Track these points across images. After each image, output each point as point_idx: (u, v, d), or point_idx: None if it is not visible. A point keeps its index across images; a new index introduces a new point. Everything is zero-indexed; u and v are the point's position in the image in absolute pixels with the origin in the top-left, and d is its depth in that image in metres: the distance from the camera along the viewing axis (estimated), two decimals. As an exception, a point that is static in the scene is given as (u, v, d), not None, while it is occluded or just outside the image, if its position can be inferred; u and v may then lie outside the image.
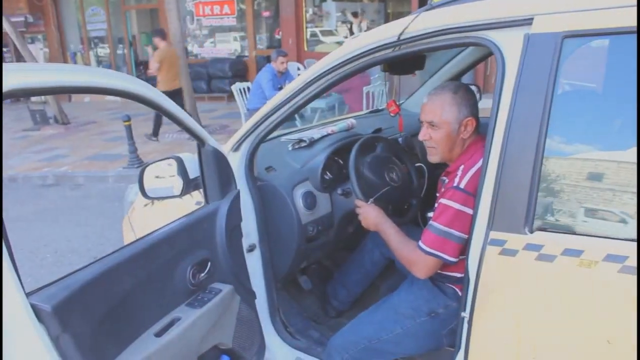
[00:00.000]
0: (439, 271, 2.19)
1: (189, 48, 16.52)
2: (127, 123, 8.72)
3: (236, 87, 9.88)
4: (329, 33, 15.14)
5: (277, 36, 15.61)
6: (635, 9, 1.51)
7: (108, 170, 8.93)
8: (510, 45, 1.76)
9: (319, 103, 9.21)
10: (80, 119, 14.24)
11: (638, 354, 1.55)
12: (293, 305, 3.14)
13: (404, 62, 2.73)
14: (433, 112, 2.22)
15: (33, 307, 1.43)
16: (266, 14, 16.03)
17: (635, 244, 1.57)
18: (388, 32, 2.03)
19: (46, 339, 1.45)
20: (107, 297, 1.68)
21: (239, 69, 15.50)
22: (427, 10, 1.97)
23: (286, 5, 14.36)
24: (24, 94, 1.50)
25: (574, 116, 1.76)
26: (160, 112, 2.02)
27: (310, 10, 15.14)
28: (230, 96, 11.51)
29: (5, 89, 1.37)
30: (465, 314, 1.91)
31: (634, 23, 1.52)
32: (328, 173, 2.95)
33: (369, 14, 14.98)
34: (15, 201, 7.95)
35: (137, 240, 1.95)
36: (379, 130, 3.35)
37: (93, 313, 1.62)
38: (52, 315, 1.45)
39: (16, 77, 1.43)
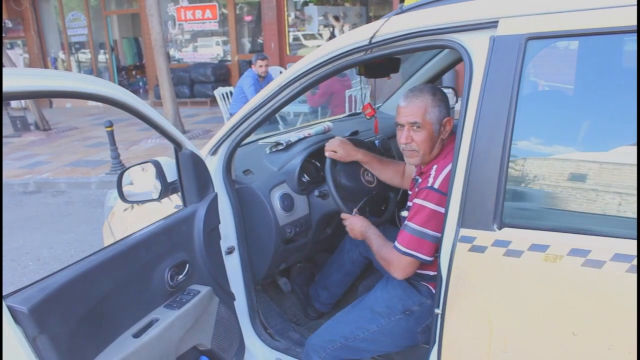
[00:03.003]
0: None
1: (171, 53, 16.50)
2: (109, 129, 8.69)
3: (219, 91, 9.88)
4: (311, 37, 15.18)
5: (259, 40, 15.63)
6: (593, 12, 1.57)
7: (90, 177, 8.88)
8: (476, 47, 1.81)
9: (301, 107, 9.23)
10: (62, 125, 14.17)
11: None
12: (273, 307, 3.16)
13: (379, 66, 2.78)
14: (415, 113, 2.22)
15: (10, 308, 1.46)
16: (248, 18, 16.03)
17: (598, 237, 1.62)
18: (360, 35, 2.08)
19: (23, 340, 1.47)
20: (85, 299, 1.71)
21: (221, 74, 15.49)
22: (397, 14, 2.02)
23: (268, 9, 14.38)
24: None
25: (539, 115, 1.83)
26: (137, 117, 2.04)
27: (292, 15, 15.17)
28: (213, 101, 11.52)
29: None
30: (439, 311, 1.95)
31: (594, 25, 1.58)
32: (305, 175, 2.99)
33: (350, 17, 15.04)
34: (-3, 208, 7.90)
35: (115, 243, 1.97)
36: (355, 133, 3.39)
37: (70, 314, 1.64)
38: (28, 316, 1.47)
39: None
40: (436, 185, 2.10)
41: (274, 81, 2.40)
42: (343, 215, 2.61)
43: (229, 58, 16.10)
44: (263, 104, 2.43)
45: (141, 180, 2.49)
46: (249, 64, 8.73)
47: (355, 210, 2.61)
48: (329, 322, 2.52)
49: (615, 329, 1.59)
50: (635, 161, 1.58)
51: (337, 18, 14.47)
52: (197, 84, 15.46)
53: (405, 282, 2.28)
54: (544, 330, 1.73)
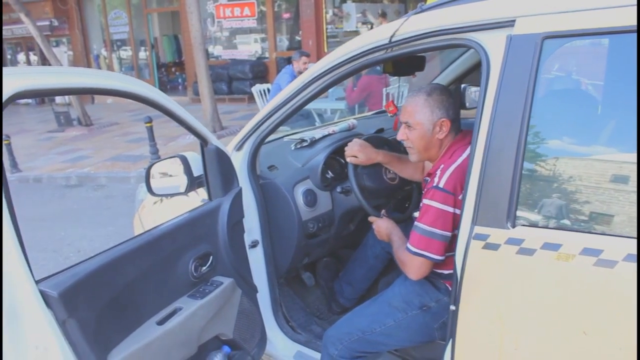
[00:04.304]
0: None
1: (210, 50, 16.64)
2: (148, 124, 8.85)
3: (256, 88, 9.96)
4: (349, 34, 15.15)
5: (297, 38, 15.69)
6: (608, 11, 1.58)
7: (130, 171, 9.08)
8: (493, 46, 1.82)
9: (339, 104, 9.25)
10: (103, 121, 14.52)
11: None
12: (297, 301, 3.21)
13: (404, 64, 2.80)
14: (408, 113, 2.29)
15: (42, 293, 1.54)
16: (286, 15, 16.09)
17: (610, 237, 1.63)
18: (380, 34, 2.11)
19: (53, 322, 1.56)
20: (111, 286, 1.78)
21: (259, 71, 15.56)
22: (417, 13, 2.05)
23: (306, 7, 14.42)
24: (32, 95, 1.63)
25: (554, 115, 1.83)
26: (163, 112, 2.11)
27: (331, 12, 15.17)
28: (251, 97, 11.61)
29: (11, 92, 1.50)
30: (454, 307, 1.97)
31: (609, 24, 1.59)
32: (329, 172, 3.04)
33: (389, 15, 14.96)
34: (40, 201, 8.15)
35: (141, 234, 2.05)
36: (381, 130, 3.42)
37: (97, 300, 1.72)
38: (58, 300, 1.56)
39: (19, 80, 1.55)
40: (441, 185, 2.12)
41: (297, 79, 2.45)
42: (371, 219, 2.66)
43: (266, 55, 16.17)
44: (286, 102, 2.48)
45: (170, 174, 2.56)
46: (287, 61, 8.78)
47: (383, 212, 2.66)
48: (347, 315, 2.56)
49: (626, 330, 1.59)
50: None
51: (384, 15, 14.23)
52: (235, 81, 15.57)
53: (424, 279, 2.29)
54: (555, 329, 1.73)
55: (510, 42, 1.76)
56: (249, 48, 16.67)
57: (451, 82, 3.45)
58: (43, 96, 1.76)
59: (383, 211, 2.67)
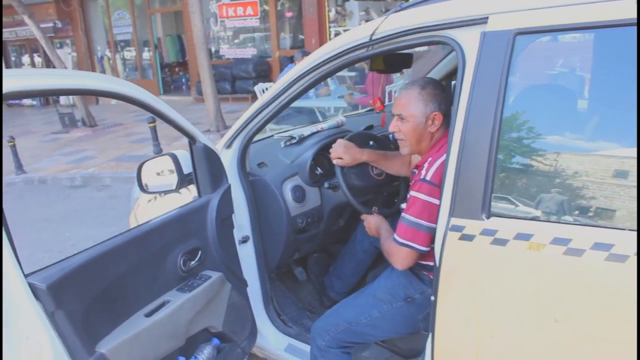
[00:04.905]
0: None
1: (213, 49, 16.71)
2: (152, 124, 8.91)
3: (259, 87, 9.96)
4: (352, 32, 15.13)
5: (300, 36, 15.73)
6: (577, 7, 1.63)
7: (134, 171, 9.05)
8: (468, 42, 1.87)
9: (341, 102, 9.28)
10: (107, 121, 14.61)
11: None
12: (288, 295, 3.27)
13: (392, 61, 2.85)
14: (401, 105, 2.33)
15: (31, 285, 1.62)
16: (289, 14, 16.10)
17: (576, 227, 1.69)
18: (362, 33, 2.16)
19: (42, 314, 1.63)
20: (100, 279, 1.85)
21: (262, 70, 15.58)
22: (396, 11, 2.10)
23: (309, 5, 14.46)
24: (19, 96, 1.70)
25: (526, 109, 1.88)
26: (151, 112, 2.17)
27: (333, 10, 15.16)
28: (254, 96, 11.62)
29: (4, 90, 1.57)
30: (434, 298, 2.02)
31: (578, 20, 1.64)
32: (319, 168, 3.09)
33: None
34: (45, 203, 8.22)
35: (131, 229, 2.11)
36: (370, 127, 3.46)
37: (86, 293, 1.78)
38: (47, 293, 1.63)
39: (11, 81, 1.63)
40: (428, 177, 2.16)
41: (282, 78, 2.50)
42: (362, 216, 2.71)
43: (269, 54, 16.19)
44: (272, 100, 2.53)
45: (162, 172, 2.62)
46: (290, 59, 8.80)
47: (374, 209, 2.72)
48: (334, 307, 2.61)
49: (594, 317, 1.64)
50: (618, 154, 1.64)
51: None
52: (238, 80, 15.60)
53: (409, 271, 2.35)
54: (528, 317, 1.78)
55: (484, 38, 1.81)
56: (252, 47, 16.71)
57: (442, 78, 3.50)
58: (26, 97, 1.83)
59: (375, 208, 2.73)
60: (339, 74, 9.70)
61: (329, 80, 9.51)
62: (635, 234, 1.56)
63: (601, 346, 1.65)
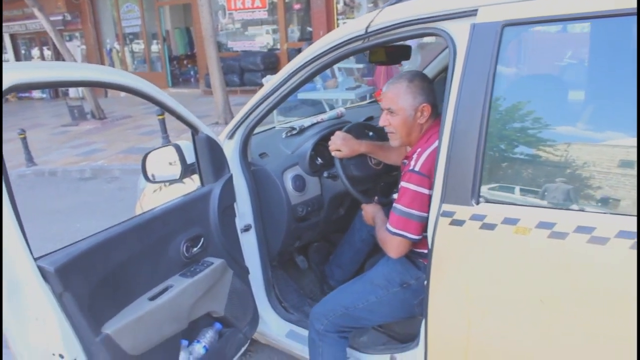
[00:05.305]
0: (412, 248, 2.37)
1: (222, 42, 16.72)
2: (161, 117, 8.97)
3: (267, 79, 9.94)
4: (360, 24, 15.09)
5: (308, 29, 15.75)
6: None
7: (142, 163, 9.14)
8: (459, 33, 1.93)
9: (349, 94, 9.30)
10: (116, 114, 14.67)
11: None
12: (290, 283, 3.33)
13: (392, 53, 2.91)
14: (390, 99, 2.40)
15: (40, 268, 1.71)
16: (297, 6, 16.09)
17: (563, 211, 1.76)
18: (357, 25, 2.23)
19: (51, 295, 1.72)
20: (105, 264, 1.94)
21: (270, 62, 15.60)
22: (391, 4, 2.17)
23: (317, -3, 14.50)
24: (26, 88, 1.78)
25: (513, 98, 1.94)
26: (154, 104, 2.25)
27: (341, 2, 15.18)
28: (262, 89, 11.59)
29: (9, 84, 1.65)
30: (426, 282, 2.09)
31: (563, 12, 1.71)
32: (319, 158, 3.17)
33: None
34: (55, 195, 8.30)
35: (134, 216, 2.20)
36: (370, 118, 3.54)
37: (92, 276, 1.87)
38: (55, 275, 1.72)
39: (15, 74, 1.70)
40: (417, 168, 2.23)
41: (282, 70, 2.59)
42: (363, 206, 2.79)
43: (278, 46, 16.22)
44: (273, 91, 2.62)
45: (166, 162, 2.69)
46: (298, 51, 8.81)
47: (375, 198, 2.79)
48: (332, 292, 2.68)
49: (578, 297, 1.72)
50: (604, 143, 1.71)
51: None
52: (246, 73, 15.62)
53: (405, 258, 2.41)
54: (516, 298, 1.86)
55: (474, 29, 1.88)
56: (260, 39, 16.74)
57: (439, 73, 3.57)
58: (31, 89, 1.92)
59: (375, 197, 2.80)
60: (347, 66, 9.75)
61: (337, 72, 9.54)
62: (615, 217, 1.64)
63: (584, 323, 1.73)
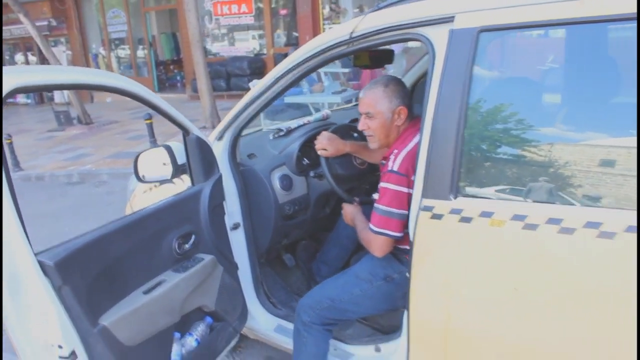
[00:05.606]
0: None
1: (208, 47, 16.78)
2: (148, 121, 8.99)
3: (254, 84, 9.88)
4: (346, 29, 15.13)
5: (294, 34, 15.81)
6: (534, 7, 1.81)
7: (131, 168, 9.10)
8: (438, 39, 2.04)
9: (335, 98, 9.37)
10: (103, 119, 14.65)
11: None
12: (278, 280, 3.42)
13: (374, 57, 3.01)
14: (368, 104, 2.50)
15: (40, 263, 1.79)
16: (283, 12, 16.18)
17: (534, 204, 1.87)
18: (342, 31, 2.33)
19: (50, 288, 1.80)
20: (102, 259, 2.02)
21: (257, 67, 15.64)
22: (373, 11, 2.29)
23: (303, 2, 14.53)
24: (25, 92, 1.85)
25: (489, 98, 2.05)
26: (146, 105, 2.33)
27: (327, 7, 15.23)
28: (249, 93, 11.60)
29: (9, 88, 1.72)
30: (409, 275, 2.18)
31: (536, 18, 1.82)
32: (305, 159, 3.27)
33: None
34: (43, 199, 8.30)
35: (129, 214, 2.28)
36: (355, 120, 3.61)
37: (89, 270, 1.95)
38: (54, 269, 1.80)
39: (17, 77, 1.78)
40: (395, 168, 2.33)
41: (268, 74, 2.69)
42: (343, 205, 2.89)
43: (264, 51, 16.26)
44: (260, 94, 2.73)
45: (157, 163, 2.76)
46: (285, 56, 8.82)
47: (356, 199, 2.90)
48: (319, 285, 2.77)
49: (549, 284, 1.82)
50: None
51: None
52: (233, 77, 15.61)
53: (389, 253, 2.48)
54: (492, 287, 1.96)
55: (452, 35, 1.99)
56: (246, 44, 16.78)
57: (419, 78, 3.68)
58: (28, 92, 2.00)
59: (356, 198, 2.91)
60: (333, 70, 9.84)
61: (323, 76, 9.63)
62: (583, 209, 1.77)
63: (556, 309, 1.83)
